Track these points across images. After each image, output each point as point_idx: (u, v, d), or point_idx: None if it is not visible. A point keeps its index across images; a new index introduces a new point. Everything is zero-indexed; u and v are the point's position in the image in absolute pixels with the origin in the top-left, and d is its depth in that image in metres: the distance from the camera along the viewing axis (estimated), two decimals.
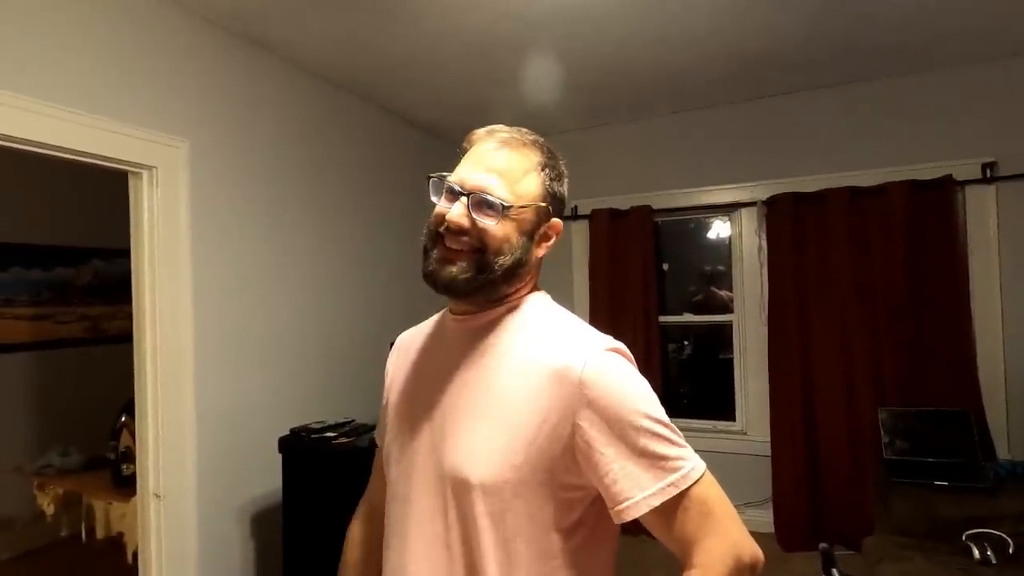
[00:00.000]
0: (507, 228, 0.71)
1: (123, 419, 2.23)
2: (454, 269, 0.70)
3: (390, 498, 0.78)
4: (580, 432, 0.64)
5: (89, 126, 1.63)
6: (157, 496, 1.81)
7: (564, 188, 0.78)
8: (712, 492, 0.66)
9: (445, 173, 0.75)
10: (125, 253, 3.58)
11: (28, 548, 3.15)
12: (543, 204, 0.74)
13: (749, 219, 3.11)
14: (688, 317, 3.38)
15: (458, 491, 0.67)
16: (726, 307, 3.25)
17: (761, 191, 3.01)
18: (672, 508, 0.63)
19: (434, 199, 0.75)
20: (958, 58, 2.58)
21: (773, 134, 3.02)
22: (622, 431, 0.64)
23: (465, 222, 0.70)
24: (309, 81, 2.41)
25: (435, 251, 0.72)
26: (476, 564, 0.66)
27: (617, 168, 3.33)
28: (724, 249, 3.32)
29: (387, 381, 0.88)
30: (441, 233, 0.71)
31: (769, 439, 2.99)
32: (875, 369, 2.70)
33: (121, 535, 2.16)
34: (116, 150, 1.71)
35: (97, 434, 2.81)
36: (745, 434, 3.12)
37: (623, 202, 3.21)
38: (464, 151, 0.77)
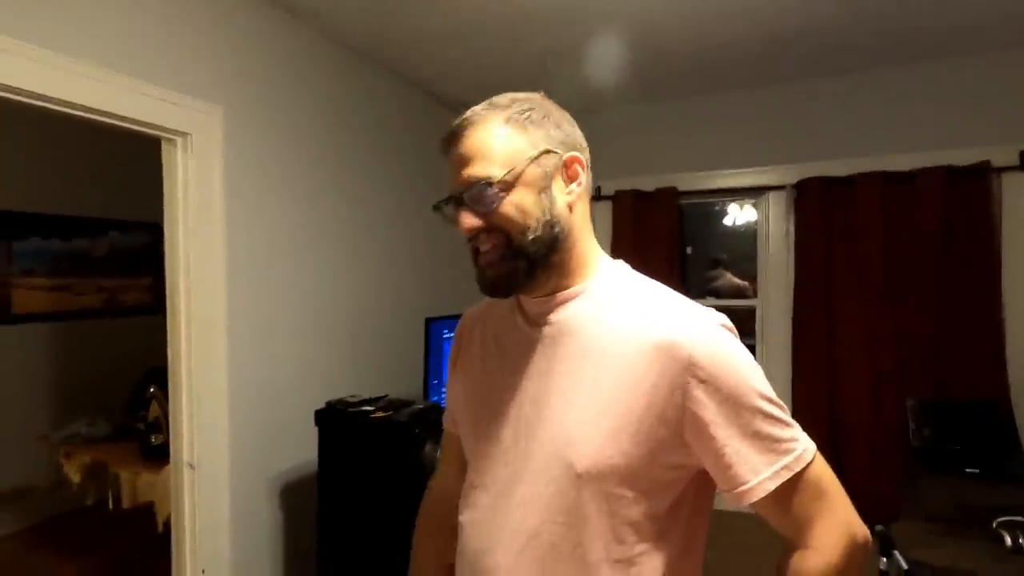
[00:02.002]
0: (514, 200, 0.66)
1: (151, 389, 2.22)
2: (492, 271, 0.68)
3: (473, 487, 0.75)
4: (690, 413, 0.62)
5: (125, 88, 1.59)
6: (191, 466, 1.80)
7: (551, 122, 0.70)
8: (824, 472, 0.64)
9: (437, 203, 0.73)
10: (141, 225, 3.63)
11: (53, 514, 3.19)
12: (534, 152, 0.67)
13: (777, 203, 3.07)
14: (712, 302, 3.36)
15: (560, 479, 0.64)
16: (741, 294, 3.23)
17: (790, 174, 2.96)
18: (787, 491, 0.62)
19: (449, 223, 0.72)
20: (997, 43, 2.52)
21: (804, 117, 2.97)
22: (736, 412, 0.61)
23: (472, 223, 0.67)
24: (340, 52, 2.36)
25: (476, 262, 0.70)
26: (580, 552, 0.64)
27: (643, 149, 3.28)
28: (745, 234, 3.30)
29: (452, 363, 0.86)
30: (470, 244, 0.70)
31: None
32: (902, 359, 2.68)
33: (150, 504, 2.17)
34: (151, 114, 1.67)
35: (117, 405, 2.82)
36: None
37: (648, 183, 3.17)
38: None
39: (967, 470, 2.11)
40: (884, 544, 1.26)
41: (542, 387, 0.68)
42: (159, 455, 2.15)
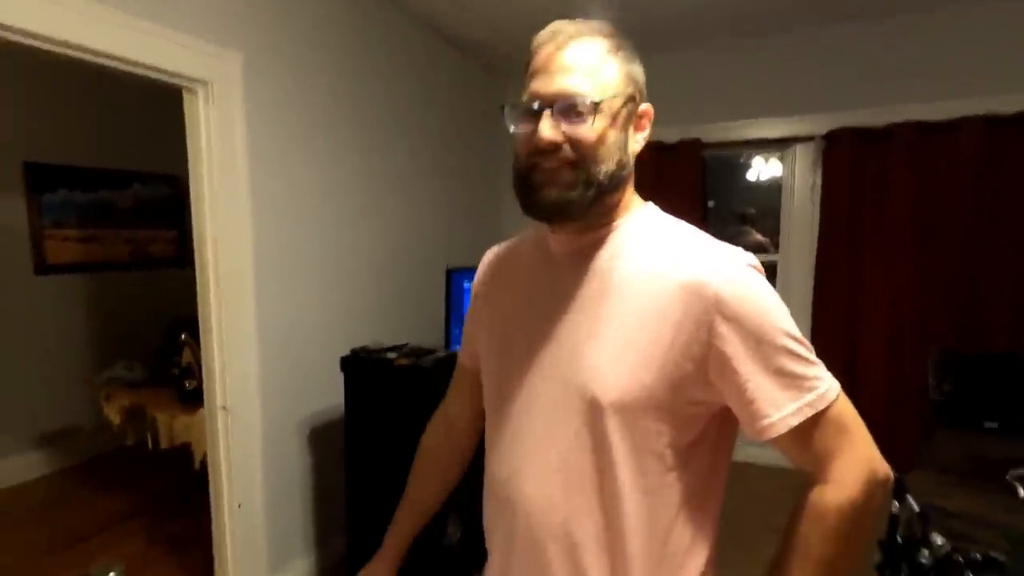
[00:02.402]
0: (600, 129, 0.65)
1: (183, 337, 2.30)
2: (556, 192, 0.66)
3: (496, 420, 0.77)
4: (716, 349, 0.63)
5: (142, 32, 1.57)
6: (224, 408, 1.89)
7: (639, 67, 0.71)
8: (847, 410, 0.65)
9: (514, 102, 0.69)
10: (162, 178, 3.67)
11: (96, 454, 3.38)
12: (629, 90, 0.68)
13: (804, 156, 2.99)
14: None
15: (586, 411, 0.66)
16: (762, 250, 3.19)
17: (819, 124, 2.86)
18: (809, 428, 0.63)
19: (512, 128, 0.69)
20: None
21: (835, 64, 2.83)
22: (761, 349, 0.62)
23: (556, 136, 0.64)
24: None
25: (531, 179, 0.67)
26: (605, 480, 0.66)
27: (665, 98, 3.16)
28: (768, 189, 3.22)
29: (475, 300, 0.87)
30: (532, 159, 0.66)
31: None
32: (925, 314, 2.65)
33: (187, 444, 2.28)
34: (170, 61, 1.66)
35: (149, 352, 2.93)
36: None
37: (671, 135, 3.08)
38: (529, 66, 0.69)
39: (985, 424, 2.12)
40: (897, 489, 1.29)
41: (568, 323, 0.69)
42: (193, 399, 2.24)
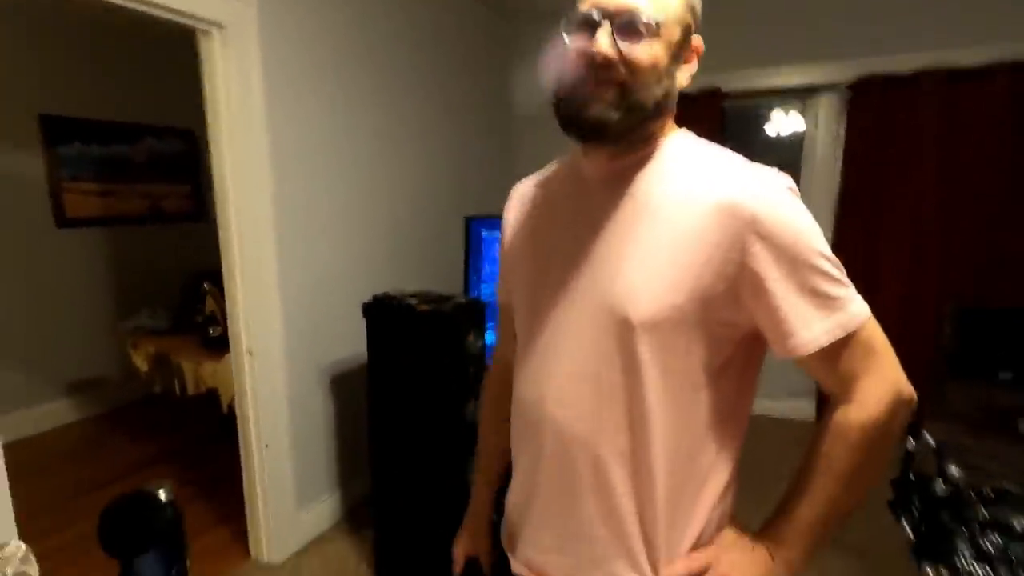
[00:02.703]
0: (656, 53, 0.64)
1: (205, 286, 2.35)
2: (601, 109, 0.64)
3: (527, 345, 0.78)
4: (749, 269, 0.63)
5: None
6: (249, 353, 1.94)
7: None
8: (876, 332, 0.66)
9: (572, 11, 0.67)
10: (175, 132, 3.66)
11: (126, 402, 3.50)
12: (688, 18, 0.67)
13: (828, 106, 2.91)
14: None
15: (617, 331, 0.67)
16: None
17: (845, 72, 2.78)
18: (838, 348, 0.64)
19: (566, 37, 0.67)
20: None
21: (861, 6, 2.72)
22: (795, 269, 0.62)
23: (612, 52, 0.63)
24: None
25: (575, 95, 0.66)
26: (634, 399, 0.68)
27: None
28: (789, 144, 3.15)
29: (506, 234, 0.87)
30: (580, 73, 0.65)
31: None
32: (945, 269, 2.63)
33: (213, 390, 2.36)
34: (185, 2, 1.63)
35: (170, 302, 2.99)
36: None
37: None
38: None
39: (999, 375, 2.13)
40: (913, 427, 1.31)
41: (600, 245, 0.70)
42: (218, 345, 2.31)
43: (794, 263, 0.62)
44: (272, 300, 1.96)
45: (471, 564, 0.99)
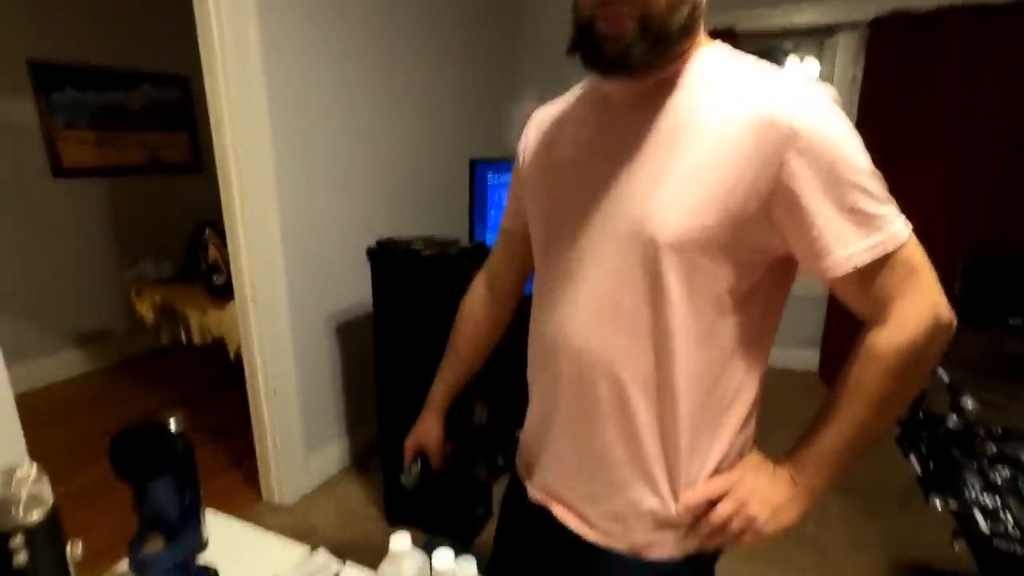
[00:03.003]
0: None
1: (207, 233, 2.32)
2: (621, 46, 0.60)
3: (545, 272, 0.76)
4: (785, 187, 0.59)
5: None
6: (254, 300, 1.93)
7: None
8: (917, 252, 0.62)
9: None
10: (172, 79, 3.55)
11: (133, 355, 3.53)
12: None
13: (846, 47, 2.80)
14: None
15: (642, 253, 0.64)
16: None
17: (865, 9, 2.65)
18: (876, 268, 0.61)
19: None
20: None
21: None
22: (835, 186, 0.59)
23: None
24: None
25: (594, 31, 0.61)
26: (658, 322, 0.66)
27: None
28: None
29: (523, 160, 0.84)
30: (597, 8, 0.61)
31: None
32: (959, 217, 2.58)
33: (219, 339, 2.36)
34: None
35: (172, 253, 2.97)
36: (803, 274, 3.11)
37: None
38: None
39: (1009, 321, 2.11)
40: None
41: (625, 166, 0.66)
42: (222, 293, 2.30)
43: (833, 180, 0.59)
44: (274, 247, 1.94)
45: (420, 459, 1.03)
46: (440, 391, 1.02)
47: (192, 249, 2.58)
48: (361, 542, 1.93)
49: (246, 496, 2.15)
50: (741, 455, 0.73)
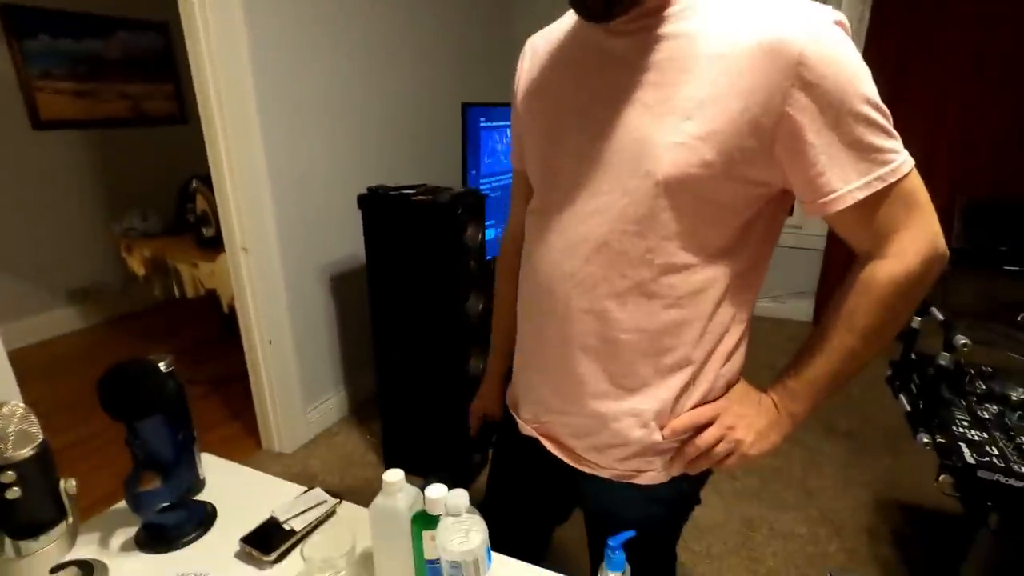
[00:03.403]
0: None
1: (194, 184, 2.27)
2: None
3: (540, 206, 0.74)
4: (788, 120, 0.57)
5: None
6: (244, 250, 1.90)
7: None
8: (918, 185, 0.61)
9: None
10: (150, 25, 3.40)
11: (126, 312, 3.51)
12: None
13: None
14: None
15: (638, 189, 0.62)
16: None
17: None
18: (876, 201, 0.59)
19: None
20: None
21: None
22: (839, 118, 0.56)
23: None
24: None
25: None
26: (655, 258, 0.65)
27: None
28: None
29: (518, 92, 0.80)
30: None
31: (826, 233, 2.98)
32: (966, 160, 2.54)
33: (212, 292, 2.35)
34: None
35: (160, 206, 2.92)
36: (800, 228, 3.09)
37: None
38: None
39: (1005, 267, 2.11)
40: (921, 304, 1.30)
41: (624, 98, 0.63)
42: (212, 246, 2.27)
43: (840, 112, 0.56)
44: (263, 197, 1.90)
45: (486, 427, 1.02)
46: (497, 367, 1.01)
47: (181, 200, 2.53)
48: (361, 487, 1.97)
49: (247, 445, 2.18)
50: (728, 386, 0.74)
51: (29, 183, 3.00)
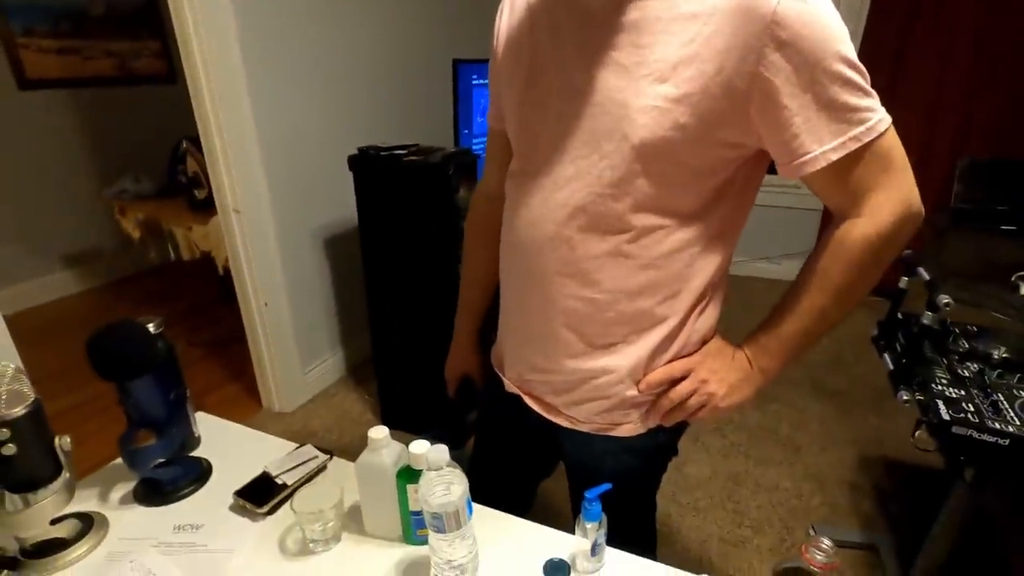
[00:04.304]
0: None
1: (184, 145, 2.24)
2: None
3: (519, 169, 0.74)
4: (761, 82, 0.56)
5: None
6: (237, 212, 1.89)
7: None
8: (895, 145, 0.61)
9: None
10: None
11: (122, 276, 3.52)
12: None
13: None
14: None
15: (613, 153, 0.62)
16: None
17: None
18: (851, 162, 0.59)
19: None
20: None
21: None
22: (814, 79, 0.55)
23: None
24: None
25: None
26: (626, 219, 0.65)
27: None
28: None
29: (497, 48, 0.78)
30: None
31: None
32: (964, 123, 2.49)
33: (207, 254, 2.35)
34: None
35: (151, 168, 2.88)
36: (799, 187, 3.06)
37: None
38: None
39: (1002, 227, 2.09)
40: (907, 263, 1.31)
41: (601, 59, 0.62)
42: (205, 207, 2.26)
43: (815, 72, 0.55)
44: (253, 156, 1.87)
45: (465, 385, 1.04)
46: (464, 322, 1.02)
47: (173, 163, 2.50)
48: (358, 446, 2.02)
49: (246, 406, 2.22)
50: (703, 343, 0.75)
51: (19, 146, 2.96)
